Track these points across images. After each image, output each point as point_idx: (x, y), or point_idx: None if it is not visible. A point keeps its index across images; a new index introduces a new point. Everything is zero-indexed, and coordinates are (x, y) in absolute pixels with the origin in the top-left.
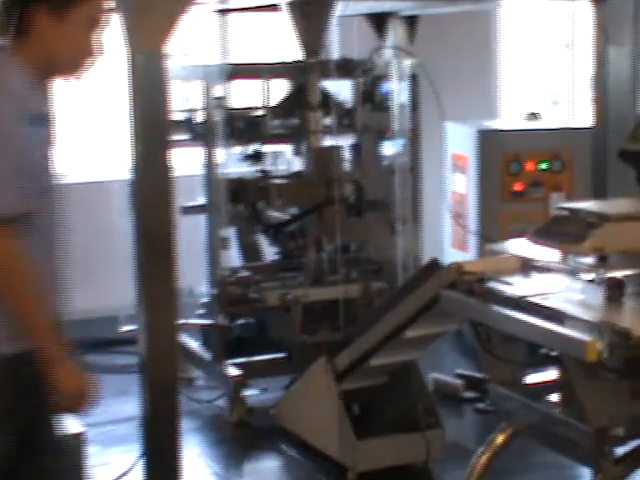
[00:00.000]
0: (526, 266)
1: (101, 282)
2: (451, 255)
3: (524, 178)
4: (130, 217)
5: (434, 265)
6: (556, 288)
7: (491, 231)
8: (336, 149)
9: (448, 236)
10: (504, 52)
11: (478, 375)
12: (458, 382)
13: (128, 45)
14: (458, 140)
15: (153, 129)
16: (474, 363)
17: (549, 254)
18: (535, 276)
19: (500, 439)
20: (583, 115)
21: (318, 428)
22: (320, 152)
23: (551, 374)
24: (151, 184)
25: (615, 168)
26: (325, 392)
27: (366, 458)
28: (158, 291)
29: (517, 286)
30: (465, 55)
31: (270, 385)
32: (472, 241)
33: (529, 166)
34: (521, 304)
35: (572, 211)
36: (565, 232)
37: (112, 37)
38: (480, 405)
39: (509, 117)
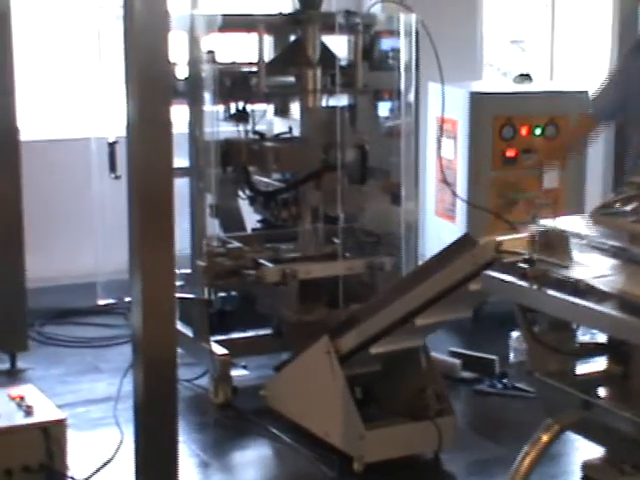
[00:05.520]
0: (572, 245)
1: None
2: (435, 224)
3: (517, 144)
4: (109, 177)
5: (467, 240)
6: (617, 272)
7: (481, 199)
8: (341, 110)
9: (431, 204)
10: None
11: (474, 353)
12: (455, 361)
13: None
14: (445, 103)
15: (153, 83)
16: (465, 340)
17: (608, 233)
18: (589, 258)
19: (546, 438)
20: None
21: (318, 413)
22: (319, 113)
23: (599, 365)
24: (151, 143)
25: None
26: (327, 375)
27: (374, 448)
28: (157, 259)
29: (573, 269)
30: (449, 14)
31: (248, 363)
32: (460, 210)
33: (523, 131)
34: (582, 289)
35: None
36: (637, 211)
37: None
38: (480, 387)
39: (496, 79)
